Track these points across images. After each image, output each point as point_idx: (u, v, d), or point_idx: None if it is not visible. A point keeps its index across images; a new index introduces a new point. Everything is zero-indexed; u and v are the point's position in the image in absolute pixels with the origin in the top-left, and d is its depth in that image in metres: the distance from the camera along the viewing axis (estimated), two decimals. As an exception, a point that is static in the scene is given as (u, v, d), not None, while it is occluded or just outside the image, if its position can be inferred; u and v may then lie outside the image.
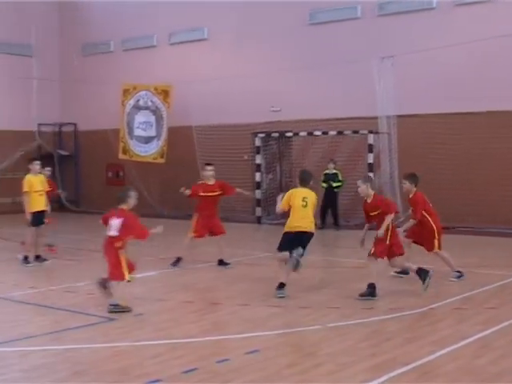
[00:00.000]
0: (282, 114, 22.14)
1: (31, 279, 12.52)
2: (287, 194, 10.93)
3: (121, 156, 25.25)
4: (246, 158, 22.84)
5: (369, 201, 10.63)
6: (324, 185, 19.81)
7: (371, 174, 19.49)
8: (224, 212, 16.51)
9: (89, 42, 27.55)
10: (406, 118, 19.64)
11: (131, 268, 9.62)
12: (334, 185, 19.98)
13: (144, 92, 24.47)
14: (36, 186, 13.72)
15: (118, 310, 9.40)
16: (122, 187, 25.26)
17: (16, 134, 26.17)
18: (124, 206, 9.64)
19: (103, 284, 9.46)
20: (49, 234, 15.04)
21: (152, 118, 24.35)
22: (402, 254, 10.74)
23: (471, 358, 7.30)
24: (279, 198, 10.97)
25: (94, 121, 26.73)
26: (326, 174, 20.00)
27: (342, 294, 10.58)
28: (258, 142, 22.28)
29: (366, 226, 10.87)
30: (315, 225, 10.79)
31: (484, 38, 18.00)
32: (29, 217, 13.58)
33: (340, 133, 20.60)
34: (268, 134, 22.29)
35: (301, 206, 10.56)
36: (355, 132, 20.29)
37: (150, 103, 24.36)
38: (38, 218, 13.77)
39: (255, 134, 22.41)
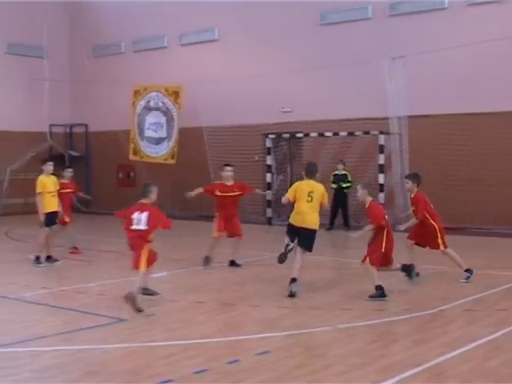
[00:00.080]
0: (292, 115, 22.13)
1: (42, 280, 12.58)
2: (294, 185, 11.22)
3: (131, 157, 25.31)
4: (256, 158, 22.82)
5: (366, 206, 10.74)
6: (334, 186, 19.79)
7: (383, 175, 19.56)
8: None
9: (100, 43, 27.65)
10: (417, 119, 19.59)
11: (152, 260, 9.89)
12: (344, 185, 19.96)
13: (155, 93, 24.52)
14: (49, 187, 13.75)
15: (148, 293, 9.96)
16: (132, 188, 25.28)
17: (27, 135, 26.27)
18: (146, 201, 9.98)
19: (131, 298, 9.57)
20: (63, 235, 15.22)
21: (163, 119, 24.39)
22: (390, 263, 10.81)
23: (482, 359, 7.28)
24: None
25: (104, 122, 26.80)
26: (335, 175, 19.98)
27: (352, 295, 10.58)
28: (268, 143, 22.28)
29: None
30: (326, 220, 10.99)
31: (496, 38, 17.93)
32: (42, 217, 13.63)
33: (351, 133, 20.56)
34: (279, 135, 22.27)
35: (305, 201, 10.73)
36: (366, 133, 20.25)
37: (160, 104, 24.40)
38: (51, 219, 13.82)
39: (266, 135, 22.39)
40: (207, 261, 13.36)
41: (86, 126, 28.14)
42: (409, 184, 11.82)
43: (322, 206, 10.96)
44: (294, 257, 10.84)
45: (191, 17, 24.71)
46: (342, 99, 21.07)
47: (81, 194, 16.84)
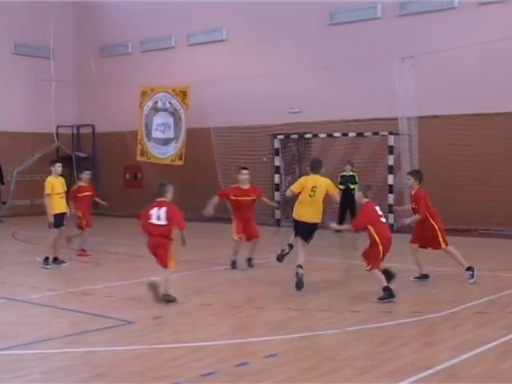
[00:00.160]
0: (301, 116, 22.05)
1: (49, 282, 12.55)
2: (300, 179, 11.53)
3: (139, 158, 25.28)
4: (264, 159, 22.72)
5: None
6: (341, 187, 19.69)
7: (392, 176, 19.43)
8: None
9: (107, 43, 27.63)
10: (426, 119, 19.47)
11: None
12: (352, 187, 19.86)
13: (162, 93, 24.48)
14: (57, 189, 13.69)
15: (169, 299, 10.00)
16: (139, 189, 25.17)
17: (34, 136, 26.25)
18: (163, 199, 10.18)
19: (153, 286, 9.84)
20: (80, 241, 15.30)
21: (170, 120, 24.35)
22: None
23: (495, 362, 7.20)
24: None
25: (111, 123, 26.75)
26: (342, 176, 19.88)
27: (361, 298, 10.50)
28: (276, 144, 22.21)
29: None
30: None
31: (505, 37, 17.83)
32: (50, 219, 13.58)
33: (360, 134, 20.45)
34: (287, 136, 22.19)
35: (308, 195, 10.97)
36: (375, 133, 20.13)
37: (168, 105, 24.36)
38: (59, 220, 13.78)
39: (274, 136, 22.33)
40: (234, 266, 13.33)
41: (92, 126, 28.12)
42: (411, 180, 11.83)
43: (331, 196, 11.27)
44: (296, 250, 11.17)
45: (199, 17, 24.65)
46: (350, 99, 20.97)
47: (98, 200, 16.21)
